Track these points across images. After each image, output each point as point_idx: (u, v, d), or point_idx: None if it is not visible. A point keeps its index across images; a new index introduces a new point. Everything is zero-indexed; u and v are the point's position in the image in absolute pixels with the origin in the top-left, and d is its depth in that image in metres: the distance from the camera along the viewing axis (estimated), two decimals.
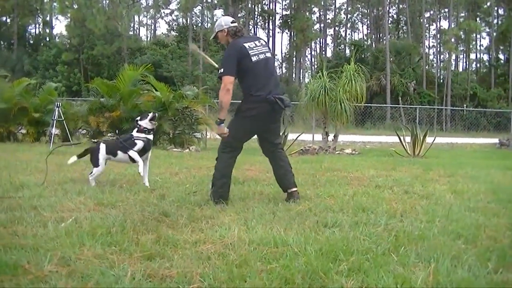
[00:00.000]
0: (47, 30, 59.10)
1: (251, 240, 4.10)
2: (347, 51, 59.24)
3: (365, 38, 66.04)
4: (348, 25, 69.00)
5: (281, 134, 13.94)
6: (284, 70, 67.41)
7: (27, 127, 17.20)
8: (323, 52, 66.87)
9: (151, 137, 7.27)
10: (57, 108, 14.89)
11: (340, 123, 15.11)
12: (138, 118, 7.29)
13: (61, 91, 21.27)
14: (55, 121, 14.93)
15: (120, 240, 4.06)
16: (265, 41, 6.12)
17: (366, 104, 20.96)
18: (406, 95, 46.21)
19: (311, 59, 67.84)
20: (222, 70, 5.63)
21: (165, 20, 79.58)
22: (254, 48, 5.79)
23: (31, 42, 57.84)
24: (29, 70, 48.10)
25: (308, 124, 20.53)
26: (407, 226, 4.69)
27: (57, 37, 56.73)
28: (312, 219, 4.94)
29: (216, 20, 6.43)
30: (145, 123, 7.14)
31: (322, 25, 65.98)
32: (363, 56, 49.78)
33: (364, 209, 5.52)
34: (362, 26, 69.89)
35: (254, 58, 5.73)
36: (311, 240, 4.07)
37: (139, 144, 7.05)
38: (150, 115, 7.22)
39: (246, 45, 5.76)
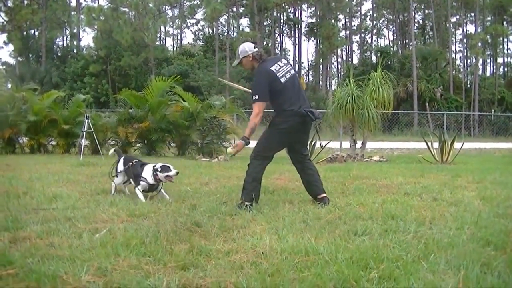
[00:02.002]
0: (75, 42, 59.60)
1: (282, 249, 4.16)
2: (373, 57, 58.92)
3: (391, 44, 65.62)
4: (374, 31, 68.67)
5: (309, 142, 14.04)
6: (310, 78, 67.34)
7: (57, 139, 17.41)
8: (350, 59, 66.73)
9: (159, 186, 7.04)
10: (86, 120, 15.04)
11: (367, 130, 15.04)
12: (159, 168, 6.89)
13: (89, 102, 21.56)
14: (84, 132, 15.10)
15: (154, 250, 4.13)
16: (286, 59, 6.48)
17: (394, 111, 20.89)
18: (433, 100, 45.75)
19: (337, 66, 67.67)
20: (256, 96, 6.00)
21: (191, 30, 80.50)
22: (280, 70, 6.16)
23: (59, 54, 58.30)
24: (58, 82, 48.51)
25: (335, 132, 20.45)
26: (436, 233, 4.71)
27: (84, 49, 57.19)
28: (342, 228, 4.99)
29: (241, 43, 6.65)
30: (162, 176, 6.85)
31: (348, 32, 65.80)
32: (389, 62, 49.46)
33: (394, 216, 5.54)
34: (388, 33, 69.51)
35: (283, 80, 6.13)
36: (341, 249, 4.12)
37: (143, 185, 6.90)
38: (173, 172, 6.88)
39: (273, 68, 6.13)
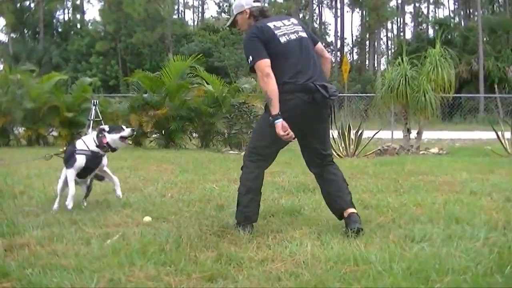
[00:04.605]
0: (78, 16, 60.18)
1: (326, 257, 4.15)
2: (431, 31, 58.36)
3: (452, 15, 64.91)
4: (431, 0, 68.01)
5: (358, 132, 13.99)
6: (355, 57, 67.10)
7: (59, 129, 17.64)
8: (402, 34, 66.20)
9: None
10: (94, 107, 15.14)
11: (424, 117, 14.92)
12: (107, 128, 6.26)
13: (96, 86, 21.72)
14: (91, 121, 15.21)
15: (176, 258, 4.14)
16: (297, 20, 5.57)
17: (455, 95, 20.60)
18: (504, 81, 45.07)
19: (387, 42, 67.36)
20: (251, 58, 5.11)
21: (214, 1, 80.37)
22: (282, 28, 5.26)
23: (60, 30, 58.93)
24: (59, 62, 49.09)
25: (385, 120, 20.37)
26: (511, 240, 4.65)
27: (89, 24, 57.74)
28: (397, 232, 4.95)
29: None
30: (114, 139, 6.15)
31: (399, 1, 65.29)
32: (450, 36, 48.90)
33: (458, 220, 5.47)
34: (448, 1, 68.88)
35: (283, 39, 5.18)
36: (397, 257, 4.08)
37: (79, 162, 6.07)
38: (127, 130, 6.26)
39: (271, 24, 5.24)
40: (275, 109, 4.91)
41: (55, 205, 6.13)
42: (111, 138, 6.05)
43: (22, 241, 4.70)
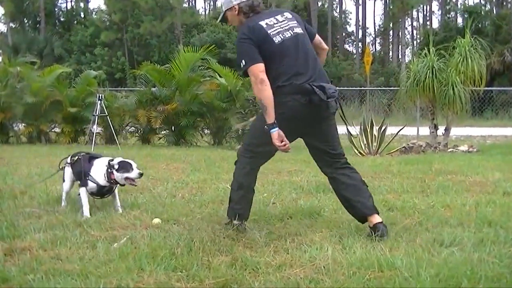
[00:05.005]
0: (82, 4, 60.23)
1: (349, 262, 4.15)
2: (460, 20, 58.11)
3: (482, 2, 64.54)
4: None
5: (381, 128, 13.95)
6: (378, 48, 66.85)
7: (61, 125, 17.77)
8: (428, 23, 65.88)
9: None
10: (99, 101, 15.14)
11: (452, 112, 14.85)
12: (116, 165, 6.19)
13: (101, 79, 21.74)
14: (97, 117, 15.24)
15: (187, 263, 4.16)
16: (292, 13, 5.48)
17: (486, 88, 20.51)
18: None
19: (412, 32, 66.98)
20: (243, 62, 5.03)
21: None
22: (275, 25, 5.18)
23: (62, 19, 58.95)
24: (61, 54, 49.19)
25: (411, 115, 20.35)
26: None
27: (94, 13, 57.79)
28: (424, 236, 4.94)
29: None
30: (121, 178, 6.15)
31: None
32: (480, 25, 48.65)
33: (491, 222, 5.46)
34: None
35: (277, 39, 5.11)
36: (424, 263, 4.07)
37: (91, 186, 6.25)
38: (135, 172, 6.17)
39: (263, 23, 5.16)
40: (270, 118, 4.87)
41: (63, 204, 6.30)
42: (117, 176, 6.11)
43: (23, 244, 4.72)
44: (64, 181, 6.59)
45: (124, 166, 6.11)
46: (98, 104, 15.10)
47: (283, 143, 4.85)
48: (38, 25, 55.11)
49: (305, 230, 5.23)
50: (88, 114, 16.69)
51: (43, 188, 7.52)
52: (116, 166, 6.11)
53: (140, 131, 17.49)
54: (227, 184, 7.87)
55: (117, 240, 4.87)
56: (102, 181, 6.14)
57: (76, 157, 6.44)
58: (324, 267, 4.06)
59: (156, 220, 5.62)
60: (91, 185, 6.16)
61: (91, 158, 6.41)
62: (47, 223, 5.47)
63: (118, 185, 6.26)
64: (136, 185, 6.37)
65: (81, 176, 6.22)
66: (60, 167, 6.72)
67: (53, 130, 18.33)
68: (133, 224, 5.51)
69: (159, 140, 17.49)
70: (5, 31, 58.46)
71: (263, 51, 5.03)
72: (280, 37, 5.10)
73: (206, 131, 17.57)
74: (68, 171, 6.52)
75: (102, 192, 6.27)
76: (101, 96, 15.41)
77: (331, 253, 4.34)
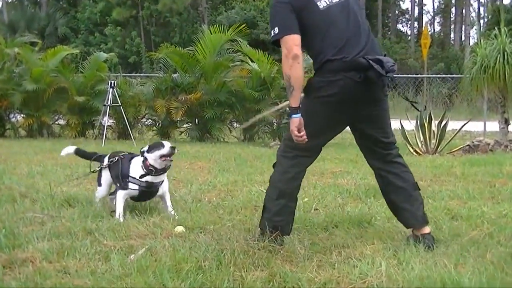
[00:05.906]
0: None
1: (406, 279, 4.12)
2: None
3: None
4: None
5: (441, 123, 13.86)
6: (437, 28, 66.52)
7: (67, 116, 17.91)
8: None
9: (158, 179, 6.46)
10: (111, 89, 15.21)
11: None
12: (145, 149, 6.40)
13: (113, 63, 21.80)
14: (108, 107, 15.30)
15: (217, 279, 4.15)
16: None
17: None
18: None
19: (478, 9, 66.46)
20: (275, 30, 4.87)
21: None
22: None
23: None
24: (66, 34, 49.34)
25: (476, 108, 20.19)
26: None
27: None
28: (495, 250, 4.88)
29: None
30: (155, 158, 6.29)
31: None
32: None
33: None
34: None
35: (322, 4, 4.90)
36: (498, 282, 4.04)
37: (131, 190, 6.36)
38: (167, 147, 6.31)
39: None
40: (295, 100, 4.80)
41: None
42: (150, 158, 6.23)
43: (25, 255, 4.73)
44: (100, 185, 6.68)
45: (155, 145, 6.28)
46: (110, 93, 15.19)
47: (302, 133, 4.77)
48: (39, 0, 55.44)
49: (354, 242, 5.19)
50: (98, 104, 16.80)
51: (47, 189, 7.53)
52: (146, 148, 6.32)
53: (159, 124, 17.57)
54: (261, 187, 7.89)
55: (134, 251, 4.88)
56: (140, 172, 6.23)
57: (116, 157, 6.52)
58: (377, 285, 4.05)
59: (179, 228, 5.63)
60: (132, 187, 6.25)
61: (132, 158, 6.53)
62: (52, 231, 5.48)
63: (162, 182, 6.36)
64: (171, 162, 6.37)
65: (120, 178, 6.32)
66: (96, 168, 6.78)
67: (56, 123, 18.49)
68: (152, 233, 5.52)
69: (180, 134, 17.56)
70: (1, 6, 58.65)
71: (304, 19, 4.87)
72: (325, 2, 4.93)
73: (235, 124, 17.57)
74: (106, 174, 6.61)
75: (146, 197, 6.46)
76: (113, 83, 15.49)
77: (385, 269, 4.31)
